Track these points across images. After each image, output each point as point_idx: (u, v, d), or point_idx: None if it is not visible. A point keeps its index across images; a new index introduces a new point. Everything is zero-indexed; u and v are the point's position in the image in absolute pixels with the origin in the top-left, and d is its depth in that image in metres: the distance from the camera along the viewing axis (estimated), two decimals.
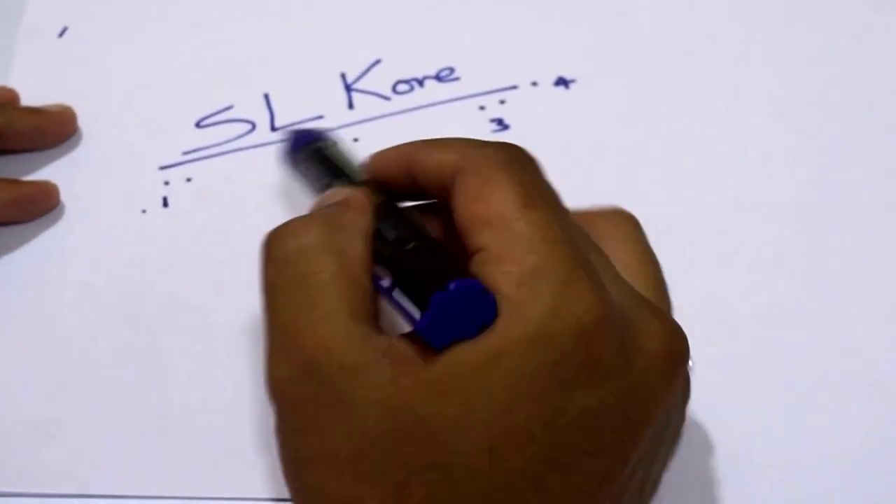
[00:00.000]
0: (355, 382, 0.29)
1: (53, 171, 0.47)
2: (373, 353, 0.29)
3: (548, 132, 0.46)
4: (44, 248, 0.45)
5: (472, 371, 0.28)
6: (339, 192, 0.35)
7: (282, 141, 0.41)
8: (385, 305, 0.32)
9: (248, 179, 0.46)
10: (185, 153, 0.47)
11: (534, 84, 0.49)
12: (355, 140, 0.47)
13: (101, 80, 0.50)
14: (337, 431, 0.29)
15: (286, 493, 0.38)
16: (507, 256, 0.29)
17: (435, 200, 0.35)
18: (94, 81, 0.50)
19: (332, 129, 0.47)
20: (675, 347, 0.31)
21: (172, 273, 0.44)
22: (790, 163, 0.46)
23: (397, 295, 0.31)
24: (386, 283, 0.31)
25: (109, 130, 0.48)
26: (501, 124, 0.47)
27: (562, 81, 0.49)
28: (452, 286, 0.28)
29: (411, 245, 0.32)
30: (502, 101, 0.48)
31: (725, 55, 0.49)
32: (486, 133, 0.47)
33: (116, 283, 0.44)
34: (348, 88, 0.49)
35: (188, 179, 0.46)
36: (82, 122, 0.48)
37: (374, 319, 0.31)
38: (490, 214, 0.30)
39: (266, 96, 0.49)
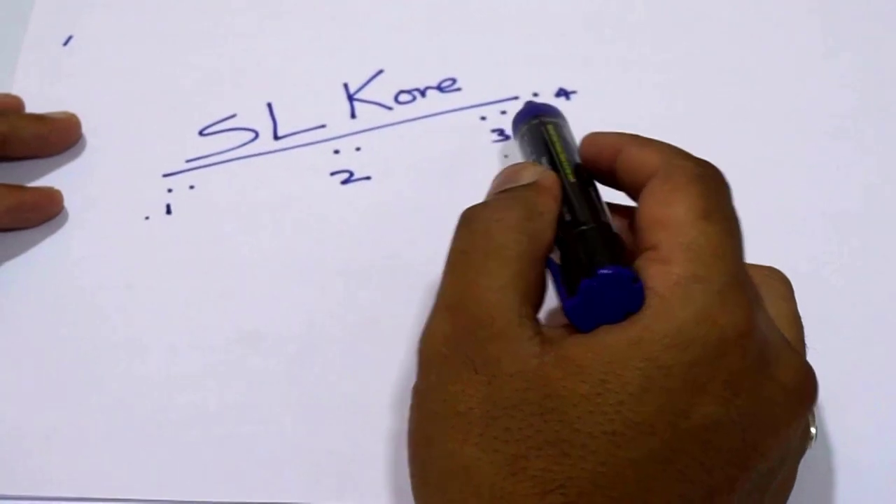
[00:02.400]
0: (505, 351, 0.30)
1: (57, 177, 0.47)
2: (529, 331, 0.30)
3: None
4: (47, 254, 0.45)
5: (611, 353, 0.29)
6: (528, 172, 0.36)
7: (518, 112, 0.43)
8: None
9: (250, 187, 0.47)
10: (189, 161, 0.48)
11: (535, 95, 0.49)
12: (357, 149, 0.48)
13: (105, 89, 0.50)
14: (476, 392, 0.30)
15: (279, 497, 0.39)
16: (672, 259, 0.31)
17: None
18: (98, 89, 0.50)
19: (336, 138, 0.48)
20: (807, 387, 0.32)
21: (174, 280, 0.44)
22: (786, 170, 0.47)
23: (557, 277, 0.32)
24: (555, 261, 0.33)
25: (113, 138, 0.48)
26: (502, 135, 0.48)
27: (563, 92, 0.49)
28: (601, 272, 0.30)
29: (582, 228, 0.33)
30: (503, 112, 0.49)
31: (725, 67, 0.50)
32: (487, 143, 0.47)
33: (119, 289, 0.44)
34: (351, 98, 0.49)
35: (191, 187, 0.47)
36: (86, 129, 0.48)
37: (538, 305, 0.32)
38: (669, 218, 0.32)
39: (269, 105, 0.49)
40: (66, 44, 0.52)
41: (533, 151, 0.39)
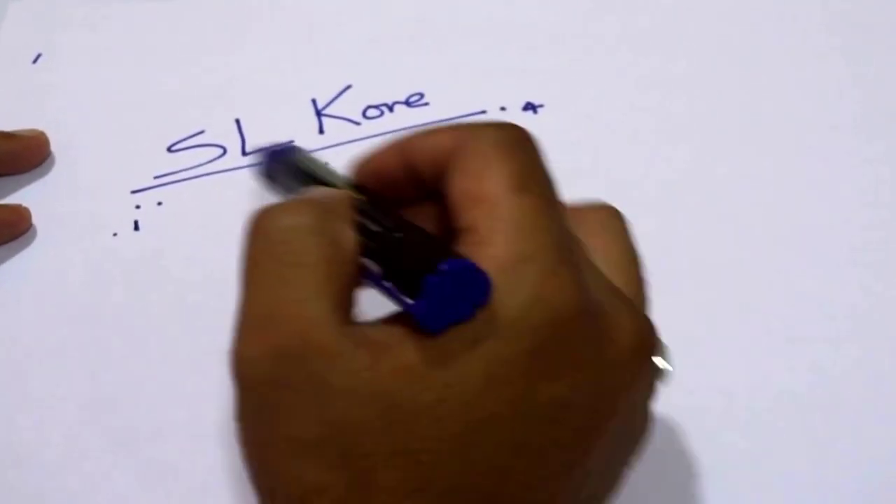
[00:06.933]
0: (331, 368, 0.28)
1: (25, 195, 0.47)
2: (351, 340, 0.28)
3: None
4: (15, 271, 0.45)
5: (451, 357, 0.28)
6: (319, 192, 0.34)
7: (255, 160, 0.41)
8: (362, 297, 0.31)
9: (218, 203, 0.47)
10: (157, 177, 0.48)
11: (502, 109, 0.49)
12: (325, 165, 0.48)
13: (74, 106, 0.50)
14: (305, 416, 0.28)
15: None
16: (494, 240, 0.29)
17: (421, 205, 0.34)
18: (67, 107, 0.50)
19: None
20: (645, 343, 0.31)
21: (143, 296, 0.44)
22: (759, 180, 0.47)
23: (388, 284, 0.30)
24: (375, 272, 0.30)
25: (81, 155, 0.49)
26: None
27: (530, 106, 0.50)
28: (445, 267, 0.27)
29: (398, 235, 0.31)
30: None
31: (690, 81, 0.50)
32: None
33: (87, 306, 0.44)
34: (319, 114, 0.50)
35: (159, 203, 0.47)
36: (55, 146, 0.49)
37: (352, 309, 0.30)
38: (482, 193, 0.30)
39: (237, 121, 0.49)
40: (35, 61, 0.52)
41: (301, 186, 0.36)
